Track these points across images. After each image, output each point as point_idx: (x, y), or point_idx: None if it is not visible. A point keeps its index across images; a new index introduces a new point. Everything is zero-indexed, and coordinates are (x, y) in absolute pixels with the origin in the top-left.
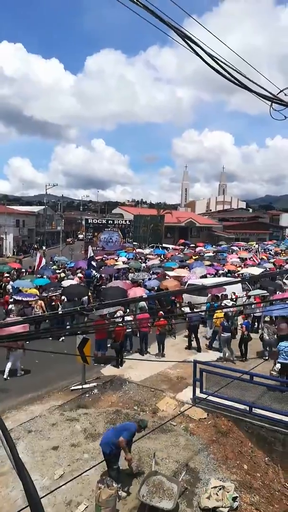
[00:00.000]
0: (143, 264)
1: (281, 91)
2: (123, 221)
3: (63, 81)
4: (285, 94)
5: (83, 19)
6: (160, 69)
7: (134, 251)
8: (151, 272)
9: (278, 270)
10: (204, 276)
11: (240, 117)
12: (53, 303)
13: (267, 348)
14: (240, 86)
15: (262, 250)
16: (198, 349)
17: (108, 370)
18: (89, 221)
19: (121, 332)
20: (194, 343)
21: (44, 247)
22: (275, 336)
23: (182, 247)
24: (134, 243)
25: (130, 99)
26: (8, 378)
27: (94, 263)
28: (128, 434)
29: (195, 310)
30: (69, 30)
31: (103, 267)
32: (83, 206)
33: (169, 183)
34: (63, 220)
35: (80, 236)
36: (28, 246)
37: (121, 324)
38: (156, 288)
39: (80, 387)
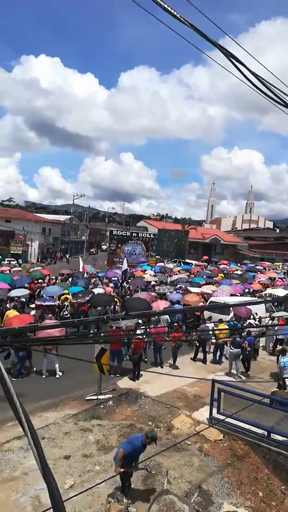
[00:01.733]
0: (169, 279)
1: None
2: (147, 234)
3: (97, 95)
4: None
5: (118, 36)
6: (192, 87)
7: (162, 265)
8: (177, 286)
9: None
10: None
11: (271, 136)
12: (80, 309)
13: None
14: (280, 104)
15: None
16: (204, 361)
17: (124, 383)
18: (113, 233)
19: (140, 344)
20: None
21: (67, 256)
22: None
23: (205, 263)
24: (157, 256)
25: (161, 115)
26: (46, 376)
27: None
28: (130, 447)
29: (212, 327)
30: (105, 46)
31: (131, 279)
32: (108, 218)
33: (196, 199)
34: (88, 230)
35: (104, 247)
36: (52, 253)
37: (140, 337)
38: (179, 301)
39: (95, 397)
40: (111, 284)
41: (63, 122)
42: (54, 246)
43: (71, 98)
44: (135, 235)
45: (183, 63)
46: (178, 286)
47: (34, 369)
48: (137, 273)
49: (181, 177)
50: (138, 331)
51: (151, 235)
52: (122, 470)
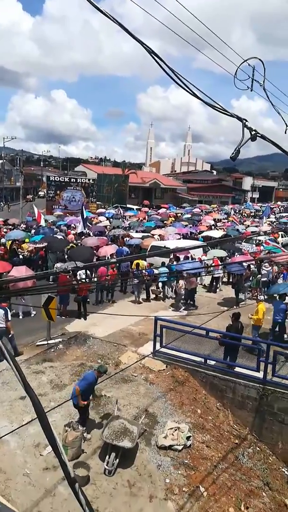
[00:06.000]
0: (125, 223)
1: (244, 60)
2: (87, 179)
3: (21, 24)
4: (249, 64)
5: None
6: (126, 18)
7: (118, 211)
8: (134, 231)
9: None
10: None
11: (207, 75)
12: (39, 254)
13: None
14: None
15: (234, 212)
16: (147, 299)
17: (73, 327)
18: (51, 179)
19: (83, 287)
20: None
21: (4, 203)
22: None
23: (147, 208)
24: (97, 202)
25: (94, 49)
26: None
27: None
28: (84, 383)
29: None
30: None
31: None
32: (43, 162)
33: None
34: (22, 176)
35: (41, 194)
36: None
37: (84, 281)
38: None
39: (45, 342)
40: (73, 232)
41: None
42: None
43: None
44: (74, 180)
45: None
46: (138, 230)
47: None
48: (94, 219)
49: (118, 118)
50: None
51: (91, 180)
52: (84, 402)
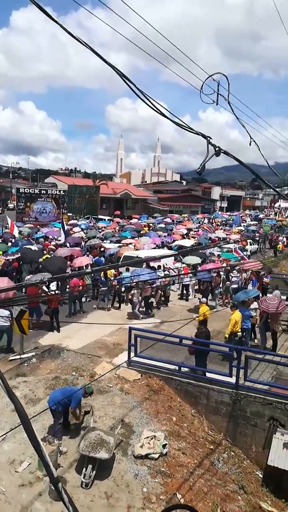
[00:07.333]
0: (99, 234)
1: (209, 76)
2: (57, 191)
3: None
4: (214, 79)
5: None
6: (92, 32)
7: (91, 222)
8: (109, 241)
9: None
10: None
11: (175, 88)
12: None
13: None
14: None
15: (206, 221)
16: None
17: (46, 340)
18: (20, 191)
19: (54, 299)
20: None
21: None
22: None
23: (118, 219)
24: (69, 214)
25: (61, 61)
26: None
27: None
28: (76, 403)
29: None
30: None
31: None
32: (12, 173)
33: (104, 152)
34: None
35: (11, 206)
36: None
37: (53, 293)
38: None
39: (18, 357)
40: (53, 243)
41: None
42: None
43: None
44: (45, 192)
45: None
46: (112, 240)
47: None
48: (70, 231)
49: (87, 129)
50: (53, 287)
51: (61, 191)
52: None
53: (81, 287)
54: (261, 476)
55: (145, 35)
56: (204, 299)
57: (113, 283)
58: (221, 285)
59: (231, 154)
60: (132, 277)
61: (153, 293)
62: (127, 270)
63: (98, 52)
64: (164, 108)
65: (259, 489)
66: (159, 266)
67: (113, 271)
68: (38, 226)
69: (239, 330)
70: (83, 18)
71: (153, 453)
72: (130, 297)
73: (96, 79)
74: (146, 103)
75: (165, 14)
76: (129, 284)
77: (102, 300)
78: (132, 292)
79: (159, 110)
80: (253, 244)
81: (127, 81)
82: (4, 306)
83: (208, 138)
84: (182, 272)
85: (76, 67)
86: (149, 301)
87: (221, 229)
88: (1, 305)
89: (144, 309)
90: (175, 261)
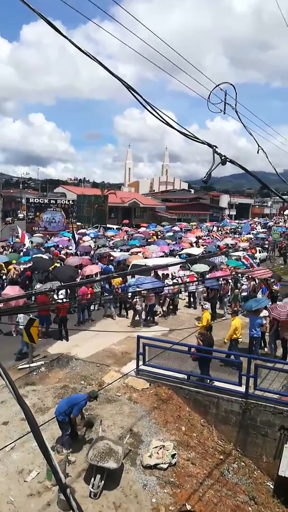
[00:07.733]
0: (107, 243)
1: (216, 85)
2: (66, 200)
3: None
4: (221, 89)
5: None
6: (100, 44)
7: (100, 231)
8: (118, 249)
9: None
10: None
11: (181, 98)
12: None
13: None
14: None
15: (215, 229)
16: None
17: (55, 349)
18: (30, 200)
19: (62, 308)
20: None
21: None
22: None
23: (127, 228)
24: (78, 223)
25: (70, 73)
26: None
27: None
28: (78, 409)
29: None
30: None
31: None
32: (22, 184)
33: (112, 161)
34: (2, 199)
35: (21, 216)
36: None
37: (60, 301)
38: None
39: (27, 365)
40: (64, 252)
41: None
42: None
43: None
44: (54, 202)
45: (90, 16)
46: (122, 249)
47: None
48: (80, 240)
49: (96, 139)
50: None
51: (70, 201)
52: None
53: (89, 295)
54: (272, 487)
55: (152, 46)
56: (206, 306)
57: (118, 291)
58: (229, 293)
59: (237, 162)
60: (136, 285)
61: (161, 301)
62: (133, 277)
63: (105, 64)
64: (170, 118)
65: (270, 500)
66: (167, 275)
67: (120, 279)
68: (48, 236)
69: (240, 337)
70: (91, 31)
71: (162, 463)
72: (133, 304)
73: (105, 90)
74: (152, 113)
75: (172, 24)
76: (133, 292)
77: (108, 308)
78: (135, 300)
79: (165, 120)
80: (263, 252)
81: (133, 92)
82: (14, 313)
83: (214, 147)
84: (188, 280)
85: (84, 79)
86: (153, 309)
87: (230, 236)
88: (12, 313)
89: (146, 316)
90: (179, 269)
